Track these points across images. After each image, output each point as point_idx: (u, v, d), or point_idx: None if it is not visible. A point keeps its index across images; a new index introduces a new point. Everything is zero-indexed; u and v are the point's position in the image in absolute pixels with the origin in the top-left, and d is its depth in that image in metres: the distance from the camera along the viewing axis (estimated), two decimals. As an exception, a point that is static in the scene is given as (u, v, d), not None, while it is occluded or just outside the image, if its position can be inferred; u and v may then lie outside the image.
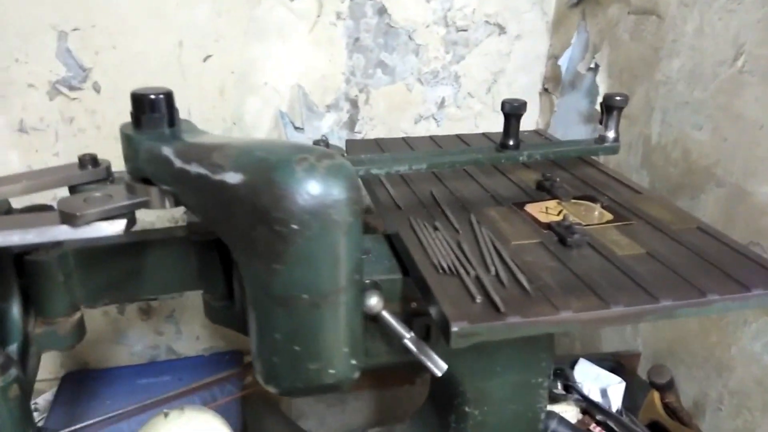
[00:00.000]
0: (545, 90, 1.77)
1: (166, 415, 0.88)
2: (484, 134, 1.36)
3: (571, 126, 1.67)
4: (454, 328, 0.64)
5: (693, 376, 1.23)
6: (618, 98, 1.05)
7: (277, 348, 0.57)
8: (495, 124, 1.79)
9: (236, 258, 0.58)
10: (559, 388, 1.23)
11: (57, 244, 0.77)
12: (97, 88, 1.47)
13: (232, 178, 0.53)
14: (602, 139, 1.09)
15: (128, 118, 0.66)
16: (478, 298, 0.69)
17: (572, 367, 1.28)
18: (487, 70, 1.73)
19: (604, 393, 1.23)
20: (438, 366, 0.82)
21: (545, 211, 0.95)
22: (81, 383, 1.70)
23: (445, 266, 0.76)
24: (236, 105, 1.59)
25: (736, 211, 1.09)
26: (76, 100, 1.48)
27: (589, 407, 1.19)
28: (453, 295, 0.71)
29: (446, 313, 0.66)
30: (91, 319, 1.74)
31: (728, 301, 0.71)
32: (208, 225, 0.61)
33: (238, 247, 0.56)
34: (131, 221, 0.70)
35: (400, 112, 1.73)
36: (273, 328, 0.56)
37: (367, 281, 0.84)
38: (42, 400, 1.66)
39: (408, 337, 0.81)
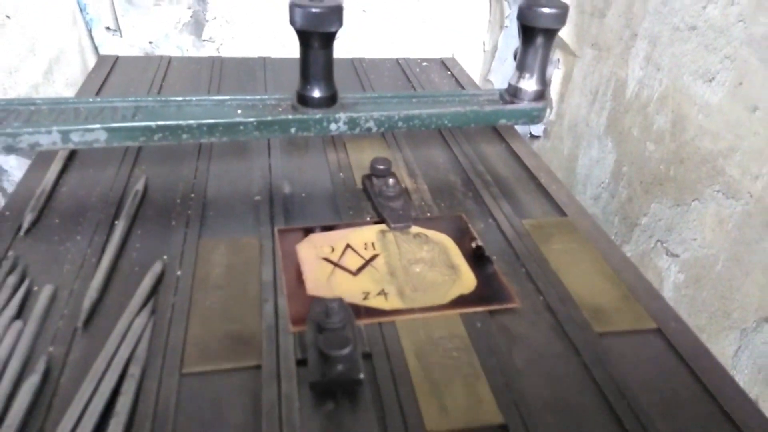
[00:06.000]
0: (497, -8, 1.19)
1: None
2: (397, 61, 0.83)
3: (526, 51, 1.10)
4: None
5: None
6: (544, 10, 0.50)
7: None
8: (423, 41, 1.22)
9: None
10: None
11: None
12: None
13: None
14: (513, 93, 0.55)
15: None
16: None
17: None
18: (410, -45, 1.14)
19: None
20: None
21: (338, 257, 0.44)
22: None
23: None
24: (6, -13, 1.03)
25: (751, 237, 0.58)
26: None
27: None
28: None
29: None
30: None
31: None
32: None
33: None
34: None
35: (274, 15, 1.15)
36: None
37: None
38: None
39: None
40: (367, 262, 0.44)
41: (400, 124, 0.53)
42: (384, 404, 0.33)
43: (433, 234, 0.48)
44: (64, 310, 0.37)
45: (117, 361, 0.33)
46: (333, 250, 0.45)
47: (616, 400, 0.34)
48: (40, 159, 0.52)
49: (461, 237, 0.48)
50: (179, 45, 1.15)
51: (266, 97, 0.53)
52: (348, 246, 0.46)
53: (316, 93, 0.51)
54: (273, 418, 0.32)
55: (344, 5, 0.48)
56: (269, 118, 0.50)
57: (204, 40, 1.16)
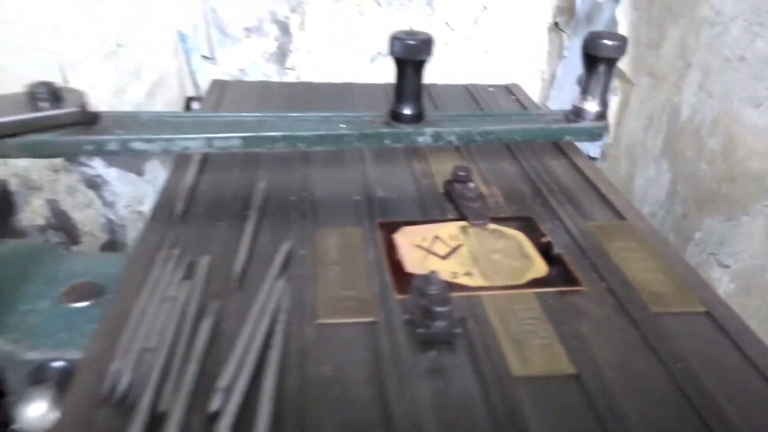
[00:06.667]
0: (555, 25, 1.27)
1: None
2: (466, 87, 0.92)
3: (583, 79, 1.18)
4: None
5: None
6: (606, 42, 0.58)
7: None
8: (485, 70, 1.31)
9: None
10: None
11: None
12: None
13: None
14: (576, 113, 0.63)
15: None
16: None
17: None
18: (475, -9, 1.24)
19: None
20: None
21: (428, 245, 0.53)
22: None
23: (122, 386, 0.36)
24: (121, 21, 1.18)
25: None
26: None
27: None
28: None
29: None
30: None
31: None
32: None
33: None
34: None
35: (350, 45, 1.27)
36: None
37: (48, 362, 0.46)
38: None
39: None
40: (454, 250, 0.52)
41: (477, 138, 0.62)
42: (476, 354, 0.41)
43: (507, 230, 0.56)
44: (220, 275, 0.47)
45: (268, 311, 0.42)
46: (424, 239, 0.54)
47: (671, 363, 0.41)
48: (179, 164, 0.64)
49: (532, 234, 0.56)
50: (265, 72, 1.28)
51: (362, 114, 0.63)
52: (436, 237, 0.54)
53: (407, 110, 0.60)
54: (389, 359, 0.40)
55: (436, 38, 0.58)
56: (369, 131, 0.60)
57: (286, 68, 1.29)
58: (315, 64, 1.29)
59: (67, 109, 0.54)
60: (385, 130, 0.60)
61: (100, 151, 0.54)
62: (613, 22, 1.04)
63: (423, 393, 0.38)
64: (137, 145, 0.55)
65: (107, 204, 1.38)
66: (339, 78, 1.29)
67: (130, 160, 1.35)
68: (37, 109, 0.53)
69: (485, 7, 1.27)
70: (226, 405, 0.35)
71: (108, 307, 0.43)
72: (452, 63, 1.31)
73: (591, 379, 0.39)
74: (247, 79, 1.27)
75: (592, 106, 0.63)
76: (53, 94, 0.53)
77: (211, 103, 0.79)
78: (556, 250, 0.53)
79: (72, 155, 0.55)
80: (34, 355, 0.45)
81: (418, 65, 0.59)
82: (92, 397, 0.36)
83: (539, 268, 0.50)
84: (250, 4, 1.21)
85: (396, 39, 0.57)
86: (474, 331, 0.43)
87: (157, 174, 1.37)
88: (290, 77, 1.30)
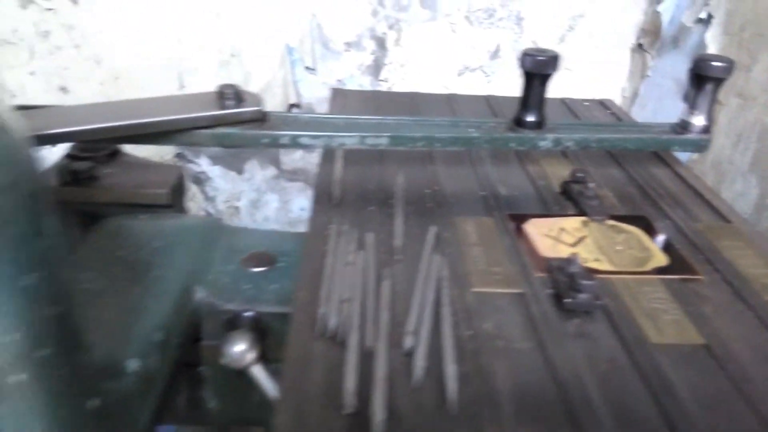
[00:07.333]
0: (639, 46, 1.33)
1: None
2: (562, 101, 1.00)
3: (666, 99, 1.24)
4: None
5: None
6: (715, 63, 0.64)
7: None
8: (568, 86, 1.38)
9: None
10: None
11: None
12: (71, -1, 1.24)
13: None
14: (683, 126, 0.69)
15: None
16: (349, 409, 0.38)
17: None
18: (563, 11, 1.31)
19: None
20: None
21: (555, 235, 0.60)
22: None
23: (332, 325, 0.45)
24: (236, 33, 1.31)
25: None
26: (51, 11, 1.26)
27: None
28: (309, 391, 0.40)
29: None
30: None
31: None
32: None
33: None
34: None
35: (440, 60, 1.36)
36: None
37: (242, 313, 0.55)
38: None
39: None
40: (580, 240, 0.59)
41: (593, 144, 0.69)
42: (616, 324, 0.48)
43: (625, 226, 0.62)
44: (384, 248, 0.55)
45: (432, 278, 0.50)
46: (551, 230, 0.61)
47: (788, 341, 0.47)
48: (325, 160, 0.73)
49: (647, 230, 0.62)
50: (360, 83, 1.38)
51: (487, 120, 0.71)
52: (561, 229, 0.61)
53: (531, 117, 0.68)
54: (540, 322, 0.47)
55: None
56: (497, 135, 0.68)
57: (380, 80, 1.38)
58: (406, 76, 1.39)
59: (249, 108, 0.63)
60: (511, 134, 0.68)
61: (275, 144, 0.64)
62: (701, 45, 1.09)
63: (575, 350, 0.45)
64: (305, 140, 0.64)
65: (208, 198, 1.50)
66: (428, 90, 1.38)
67: (232, 160, 1.46)
68: (225, 107, 0.63)
69: (572, 27, 1.34)
70: (418, 344, 0.43)
71: (303, 267, 0.52)
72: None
73: (719, 349, 0.46)
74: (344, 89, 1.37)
75: (699, 120, 0.69)
76: (237, 95, 0.63)
77: (338, 109, 0.89)
78: (673, 243, 0.60)
79: (251, 146, 0.65)
80: (231, 306, 0.55)
81: (544, 78, 0.66)
82: (309, 334, 0.44)
83: (659, 258, 0.57)
84: (352, 21, 1.32)
85: (527, 55, 0.65)
86: (610, 306, 0.50)
87: (255, 173, 1.48)
88: (382, 88, 1.40)
